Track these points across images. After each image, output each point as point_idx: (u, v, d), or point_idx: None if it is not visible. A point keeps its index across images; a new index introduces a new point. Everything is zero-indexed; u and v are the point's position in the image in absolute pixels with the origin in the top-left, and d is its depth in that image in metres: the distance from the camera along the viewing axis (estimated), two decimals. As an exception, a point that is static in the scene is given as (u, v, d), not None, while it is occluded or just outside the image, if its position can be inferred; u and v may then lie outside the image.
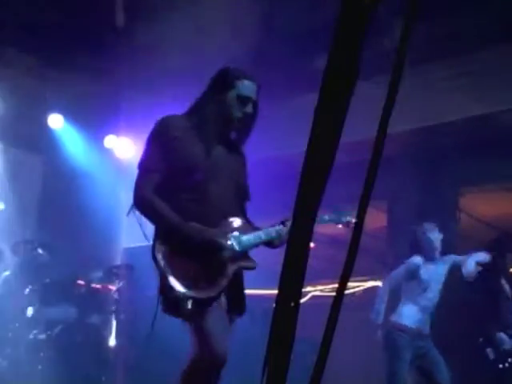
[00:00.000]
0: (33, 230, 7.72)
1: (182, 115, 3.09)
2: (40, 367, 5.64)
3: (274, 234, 3.04)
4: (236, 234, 2.96)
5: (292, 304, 0.85)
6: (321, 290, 9.69)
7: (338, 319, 0.87)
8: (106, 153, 7.81)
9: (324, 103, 0.82)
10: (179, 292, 2.79)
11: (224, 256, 2.89)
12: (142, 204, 3.01)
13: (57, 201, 7.75)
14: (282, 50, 5.99)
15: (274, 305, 0.87)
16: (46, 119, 7.50)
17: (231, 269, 2.92)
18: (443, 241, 5.41)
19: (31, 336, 5.84)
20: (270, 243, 3.08)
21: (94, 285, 6.40)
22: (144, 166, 3.01)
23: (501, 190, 7.27)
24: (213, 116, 3.02)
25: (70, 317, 6.04)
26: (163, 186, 2.94)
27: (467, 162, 6.49)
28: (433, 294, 5.10)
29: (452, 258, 5.30)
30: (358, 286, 9.18)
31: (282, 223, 3.06)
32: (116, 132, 7.73)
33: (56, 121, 7.53)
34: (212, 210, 2.93)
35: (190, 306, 2.77)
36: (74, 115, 7.53)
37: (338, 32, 0.80)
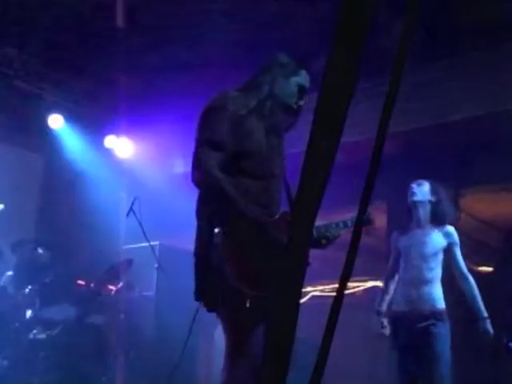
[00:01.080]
0: (33, 229, 7.72)
1: (241, 93, 2.85)
2: (40, 367, 5.64)
3: (324, 231, 2.90)
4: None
5: (292, 304, 0.85)
6: (321, 290, 9.69)
7: (338, 319, 0.87)
8: (106, 153, 7.81)
9: (324, 103, 0.82)
10: (241, 289, 2.53)
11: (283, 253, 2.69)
12: (209, 182, 2.62)
13: (57, 201, 7.75)
14: (281, 49, 5.98)
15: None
16: (46, 119, 7.49)
17: None
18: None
19: (31, 336, 5.84)
20: (317, 242, 2.95)
21: (93, 285, 6.40)
22: (208, 139, 2.67)
23: (500, 190, 7.26)
24: (275, 101, 2.83)
25: (69, 317, 6.04)
26: (222, 164, 2.65)
27: (467, 162, 6.48)
28: (417, 261, 4.38)
29: (451, 233, 4.49)
30: (358, 286, 9.18)
31: (343, 222, 2.94)
32: (116, 132, 7.73)
33: (56, 121, 7.52)
34: (267, 199, 2.74)
35: (248, 304, 2.53)
36: (73, 115, 7.53)
37: (338, 32, 0.80)
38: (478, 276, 7.91)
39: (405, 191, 4.88)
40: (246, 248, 2.61)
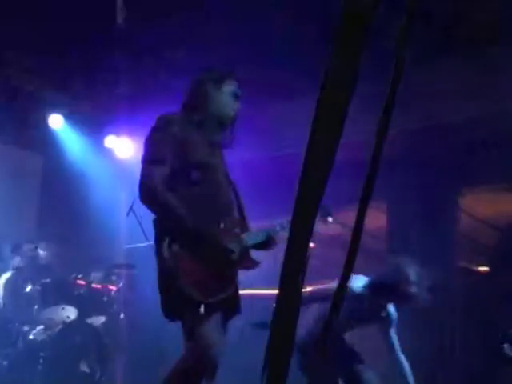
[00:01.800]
0: (33, 230, 7.72)
1: (182, 115, 3.04)
2: (40, 367, 5.64)
3: (271, 234, 3.03)
4: (240, 234, 2.93)
5: (292, 304, 0.85)
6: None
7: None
8: (106, 153, 7.81)
9: (324, 103, 0.82)
10: (194, 297, 2.72)
11: (233, 260, 2.84)
12: (153, 197, 2.80)
13: (57, 201, 7.75)
14: (281, 49, 5.99)
15: (274, 305, 0.87)
16: (46, 119, 7.49)
17: (237, 271, 2.91)
18: (443, 241, 5.34)
19: (31, 336, 5.84)
20: (265, 244, 3.05)
21: (94, 285, 6.40)
22: (152, 157, 2.85)
23: (501, 189, 7.26)
24: (211, 114, 3.02)
25: (69, 317, 6.04)
26: (167, 181, 2.82)
27: (467, 162, 6.49)
28: None
29: None
30: (358, 286, 9.16)
31: (281, 225, 3.04)
32: (116, 132, 7.73)
33: (56, 121, 7.52)
34: (213, 209, 2.89)
35: (202, 311, 2.70)
36: (73, 115, 7.53)
37: (338, 32, 0.80)
38: (478, 276, 7.93)
39: (405, 191, 4.89)
40: (193, 258, 2.75)
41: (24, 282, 6.19)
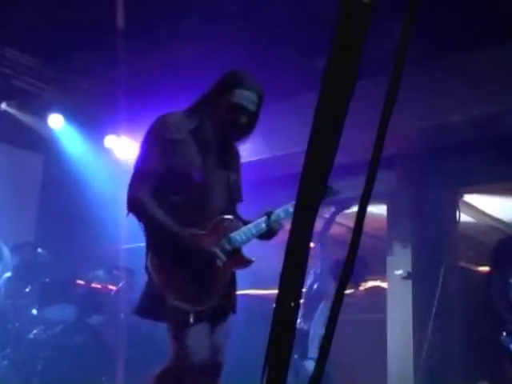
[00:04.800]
0: (33, 229, 7.71)
1: (182, 115, 3.01)
2: (40, 367, 5.64)
3: (263, 226, 2.99)
4: (228, 234, 2.90)
5: (292, 304, 0.85)
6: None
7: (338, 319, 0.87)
8: (106, 153, 7.81)
9: (324, 103, 0.82)
10: (183, 308, 2.71)
11: (220, 263, 2.81)
12: (136, 207, 2.88)
13: (57, 201, 7.74)
14: (281, 49, 5.98)
15: (274, 305, 0.87)
16: (46, 119, 7.49)
17: (228, 272, 2.89)
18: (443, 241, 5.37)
19: (31, 336, 5.84)
20: (262, 236, 3.03)
21: (94, 285, 6.40)
22: (141, 166, 2.90)
23: (501, 189, 7.26)
24: (211, 120, 2.95)
25: (69, 317, 6.04)
26: (156, 187, 2.85)
27: (467, 162, 6.49)
28: None
29: None
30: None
31: (267, 215, 3.01)
32: (116, 132, 7.73)
33: (56, 121, 7.52)
34: (203, 215, 2.87)
35: (192, 320, 2.70)
36: (73, 115, 7.52)
37: (338, 32, 0.80)
38: (478, 276, 7.93)
39: (405, 191, 4.90)
40: (178, 268, 2.76)
41: (24, 282, 6.19)
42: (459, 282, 6.70)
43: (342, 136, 0.83)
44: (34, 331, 5.86)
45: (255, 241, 3.05)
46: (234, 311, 2.99)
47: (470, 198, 7.24)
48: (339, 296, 0.88)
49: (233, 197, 3.05)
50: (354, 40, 0.79)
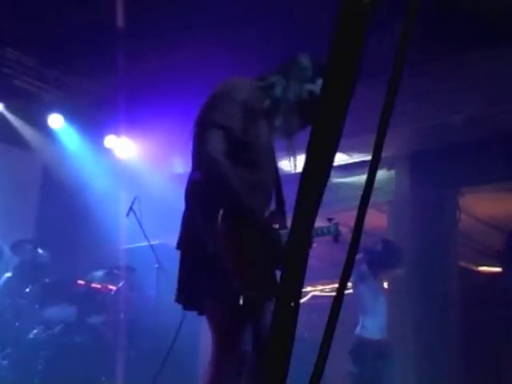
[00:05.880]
0: (33, 230, 7.71)
1: (256, 85, 2.78)
2: (40, 367, 5.64)
3: (325, 231, 2.93)
4: (283, 230, 2.70)
5: (292, 304, 0.85)
6: (321, 290, 9.69)
7: (338, 319, 0.87)
8: (106, 153, 7.81)
9: (324, 103, 0.82)
10: (239, 287, 2.44)
11: (283, 245, 2.60)
12: (213, 168, 2.52)
13: (57, 201, 7.75)
14: (281, 49, 5.98)
15: (274, 305, 0.87)
16: (46, 119, 7.49)
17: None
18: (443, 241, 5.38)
19: (31, 336, 5.84)
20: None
21: (94, 285, 6.39)
22: (221, 123, 2.56)
23: (501, 190, 7.26)
24: (285, 105, 2.74)
25: (69, 317, 6.04)
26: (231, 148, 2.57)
27: (467, 162, 6.49)
28: None
29: None
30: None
31: (329, 220, 2.93)
32: (116, 132, 7.73)
33: (56, 121, 7.52)
34: (260, 194, 2.67)
35: (241, 302, 2.43)
36: (73, 115, 7.52)
37: (338, 31, 0.80)
38: (478, 276, 7.93)
39: (405, 191, 4.91)
40: (248, 245, 2.52)
41: (24, 282, 6.19)
42: (459, 282, 6.70)
43: (342, 136, 0.83)
44: (34, 331, 5.87)
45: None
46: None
47: (470, 198, 7.23)
48: (339, 296, 0.88)
49: (277, 184, 2.85)
50: (354, 39, 0.79)
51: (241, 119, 2.59)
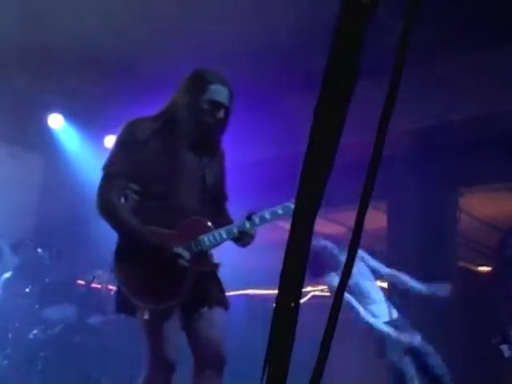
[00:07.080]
0: (33, 230, 7.71)
1: (151, 117, 3.04)
2: (40, 367, 5.64)
3: (234, 231, 2.92)
4: (198, 236, 2.88)
5: (292, 304, 0.85)
6: (321, 290, 9.68)
7: (338, 319, 0.87)
8: (106, 153, 7.79)
9: (324, 103, 0.82)
10: (144, 304, 2.80)
11: (183, 263, 2.81)
12: (104, 208, 3.01)
13: (57, 200, 7.75)
14: (281, 49, 5.98)
15: (274, 305, 0.87)
16: (46, 119, 7.49)
17: (194, 273, 2.84)
18: (443, 241, 5.37)
19: (31, 336, 5.84)
20: (237, 240, 2.97)
21: (94, 285, 6.40)
22: (107, 169, 3.03)
23: (501, 189, 7.26)
24: (183, 120, 2.96)
25: (70, 317, 6.04)
26: (133, 192, 2.92)
27: (467, 162, 6.49)
28: None
29: None
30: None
31: (248, 218, 2.93)
32: (116, 132, 7.71)
33: (56, 121, 7.52)
34: (175, 216, 2.87)
35: (146, 317, 2.77)
36: (73, 115, 7.52)
37: (337, 32, 0.80)
38: (478, 276, 7.92)
39: (405, 191, 4.90)
40: (141, 267, 2.82)
41: (24, 282, 6.19)
42: (459, 282, 6.70)
43: (342, 136, 0.83)
44: (34, 331, 5.87)
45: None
46: (223, 307, 2.96)
47: (470, 198, 7.23)
48: (339, 296, 0.88)
49: (210, 196, 3.02)
50: (354, 40, 0.79)
51: (126, 161, 2.97)
